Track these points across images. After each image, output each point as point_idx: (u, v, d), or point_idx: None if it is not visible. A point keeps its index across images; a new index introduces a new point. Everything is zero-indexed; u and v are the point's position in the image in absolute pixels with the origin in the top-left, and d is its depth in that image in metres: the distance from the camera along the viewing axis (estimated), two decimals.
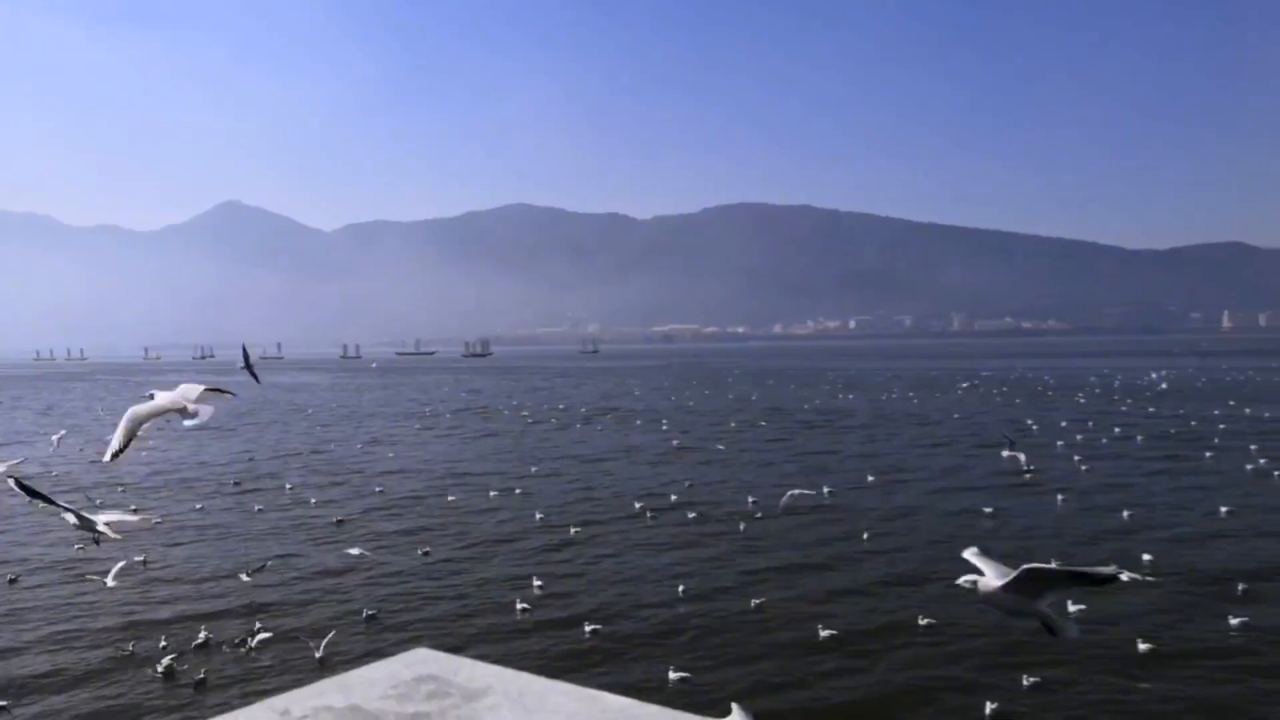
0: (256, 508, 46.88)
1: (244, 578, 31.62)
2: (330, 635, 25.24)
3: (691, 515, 42.51)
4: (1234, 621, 25.84)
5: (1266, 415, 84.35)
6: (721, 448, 68.19)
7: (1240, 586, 29.15)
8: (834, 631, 25.75)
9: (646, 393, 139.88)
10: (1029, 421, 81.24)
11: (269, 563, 33.98)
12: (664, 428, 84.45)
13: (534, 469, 59.19)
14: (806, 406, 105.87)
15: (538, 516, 43.02)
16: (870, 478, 52.53)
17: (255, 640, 25.54)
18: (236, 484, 55.32)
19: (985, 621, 25.44)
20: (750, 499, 45.18)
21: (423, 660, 5.17)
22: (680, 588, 30.25)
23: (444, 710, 4.54)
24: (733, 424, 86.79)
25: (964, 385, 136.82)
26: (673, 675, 22.84)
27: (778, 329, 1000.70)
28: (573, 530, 39.93)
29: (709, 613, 28.12)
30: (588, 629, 26.44)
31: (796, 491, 38.38)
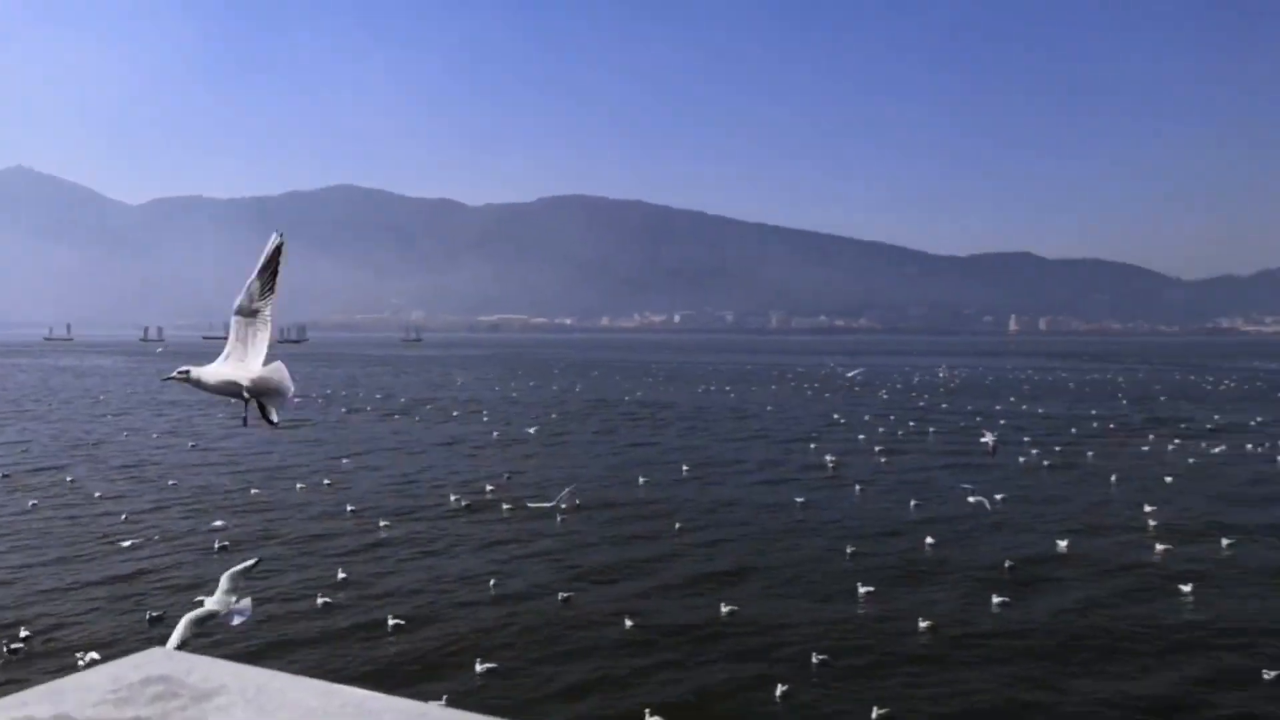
0: (30, 503, 42.89)
1: None
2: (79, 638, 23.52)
3: (507, 509, 42.39)
4: (996, 601, 28.52)
5: (1040, 411, 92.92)
6: (542, 439, 68.26)
7: (1008, 568, 32.22)
8: (643, 628, 26.24)
9: (470, 383, 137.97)
10: (836, 415, 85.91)
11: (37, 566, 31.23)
12: (485, 419, 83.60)
13: (346, 461, 57.21)
14: (628, 399, 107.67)
15: (349, 510, 41.66)
16: (685, 468, 54.09)
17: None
18: (5, 476, 50.43)
19: (798, 616, 26.90)
20: (566, 491, 45.50)
21: (154, 661, 4.94)
22: (491, 585, 30.03)
23: (168, 713, 4.36)
24: (554, 415, 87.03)
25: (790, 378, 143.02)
26: (478, 674, 22.68)
27: (605, 322, 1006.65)
28: (383, 525, 38.94)
29: (519, 611, 28.08)
30: (392, 629, 25.88)
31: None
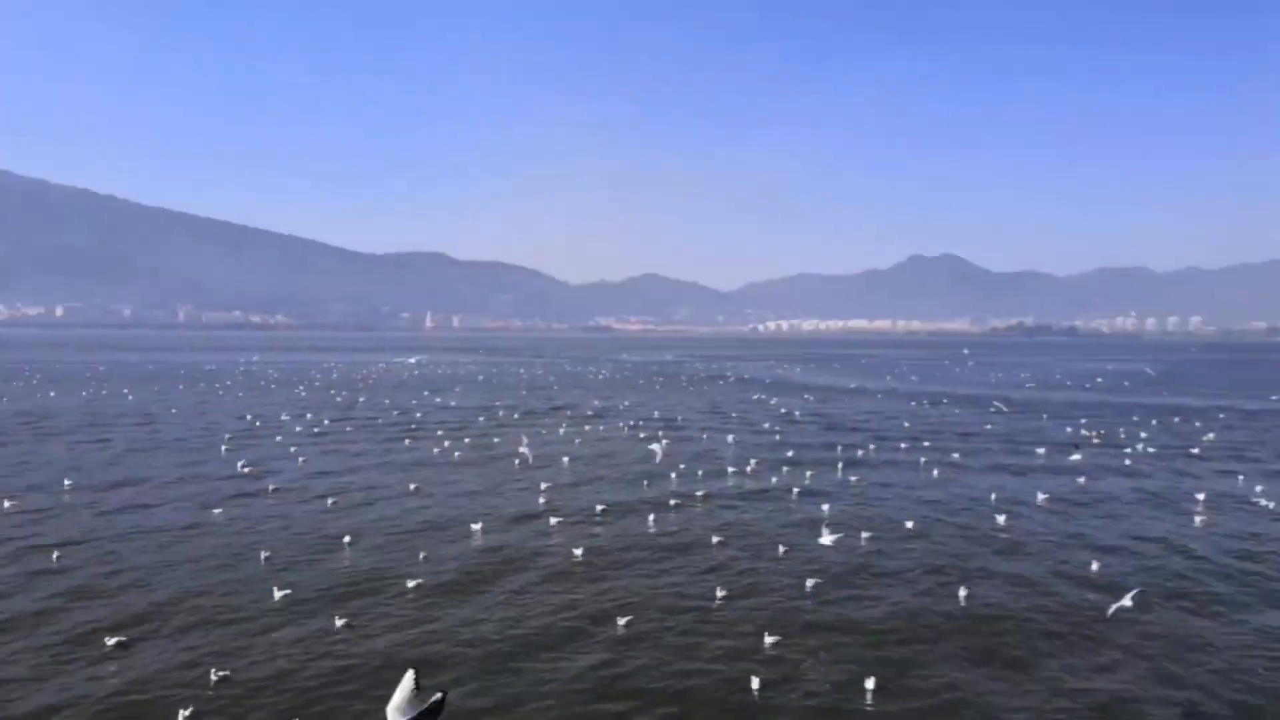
0: None
1: None
2: None
3: None
4: (410, 583, 29.54)
5: (453, 404, 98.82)
6: None
7: (419, 554, 33.52)
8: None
9: None
10: (249, 416, 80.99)
11: None
12: None
13: None
14: None
15: None
16: (68, 482, 46.32)
17: None
18: None
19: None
20: None
21: None
22: None
23: None
24: None
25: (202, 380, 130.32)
26: None
27: None
28: None
29: None
30: None
31: None
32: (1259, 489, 47.89)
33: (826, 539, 35.72)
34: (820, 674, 23.16)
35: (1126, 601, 25.85)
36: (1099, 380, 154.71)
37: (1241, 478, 52.50)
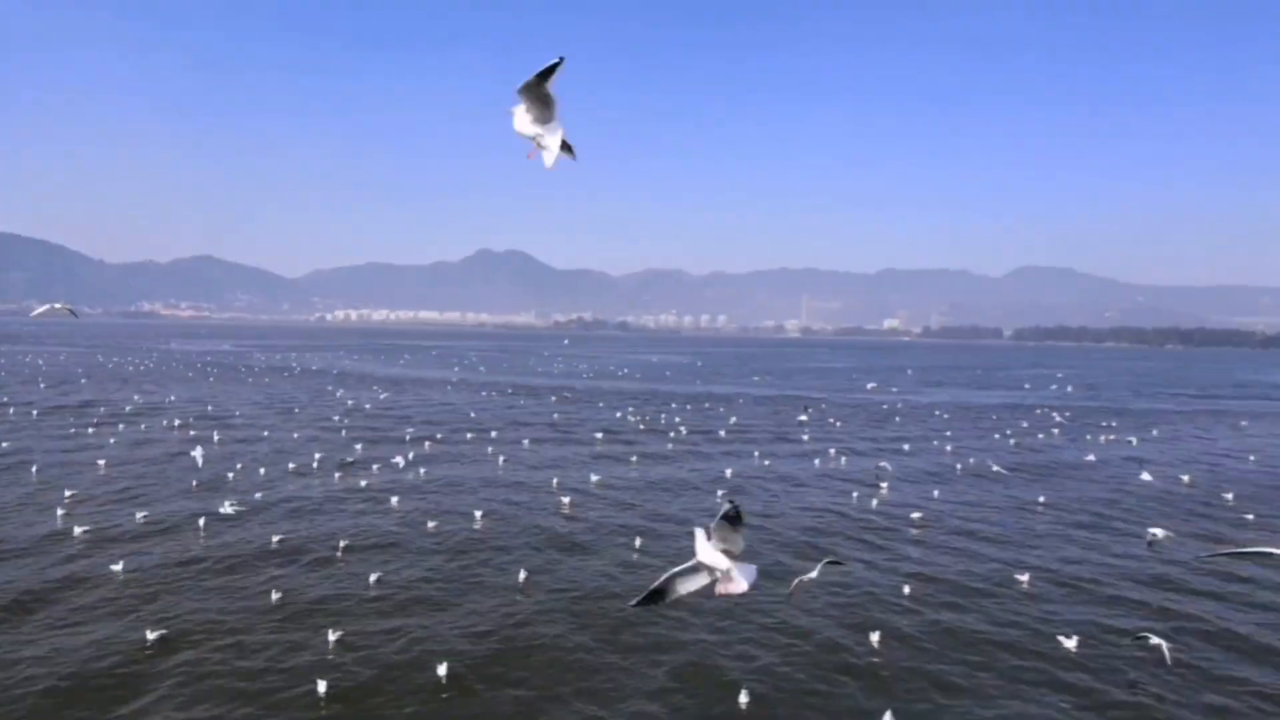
0: None
1: None
2: None
3: None
4: None
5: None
6: None
7: None
8: None
9: None
10: None
11: None
12: None
13: None
14: None
15: None
16: None
17: None
18: None
19: None
20: None
21: None
22: None
23: None
24: None
25: None
26: None
27: None
28: None
29: None
30: None
31: None
32: (766, 463, 57.02)
33: (395, 531, 35.49)
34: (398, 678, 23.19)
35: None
36: (650, 369, 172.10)
37: (757, 453, 61.83)
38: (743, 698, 21.94)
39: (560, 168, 10.42)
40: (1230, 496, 47.23)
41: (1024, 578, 31.39)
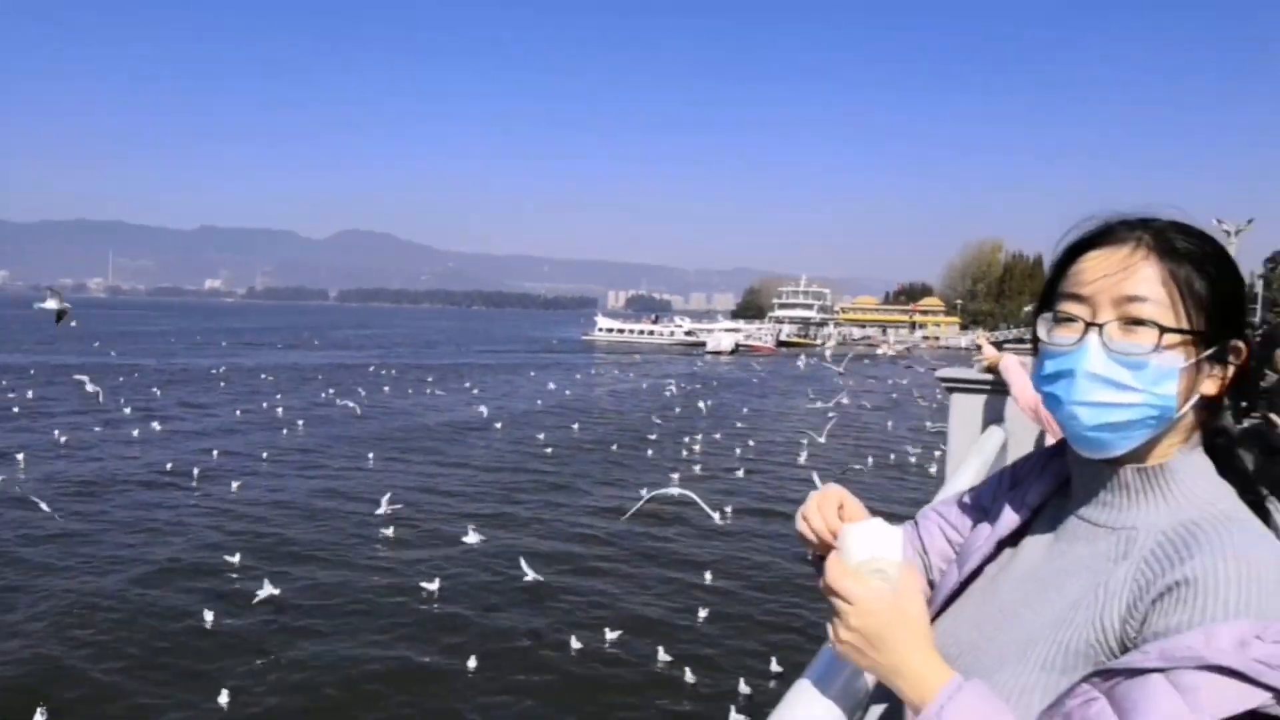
0: None
1: None
2: None
3: None
4: None
5: None
6: None
7: None
8: None
9: None
10: None
11: None
12: None
13: None
14: None
15: None
16: None
17: None
18: None
19: None
20: None
21: None
22: None
23: None
24: None
25: None
26: None
27: None
28: None
29: None
30: None
31: None
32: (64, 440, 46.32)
33: None
34: None
35: None
36: None
37: (57, 431, 49.89)
38: None
39: None
40: (540, 436, 51.66)
41: (389, 531, 29.62)
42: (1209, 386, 1.39)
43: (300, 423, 54.71)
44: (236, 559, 25.41)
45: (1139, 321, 1.34)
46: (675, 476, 37.18)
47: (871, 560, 1.34)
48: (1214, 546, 1.22)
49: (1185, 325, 1.34)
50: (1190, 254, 1.36)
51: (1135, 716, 1.08)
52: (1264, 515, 1.34)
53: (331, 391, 72.46)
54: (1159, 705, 1.06)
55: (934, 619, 1.56)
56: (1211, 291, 1.35)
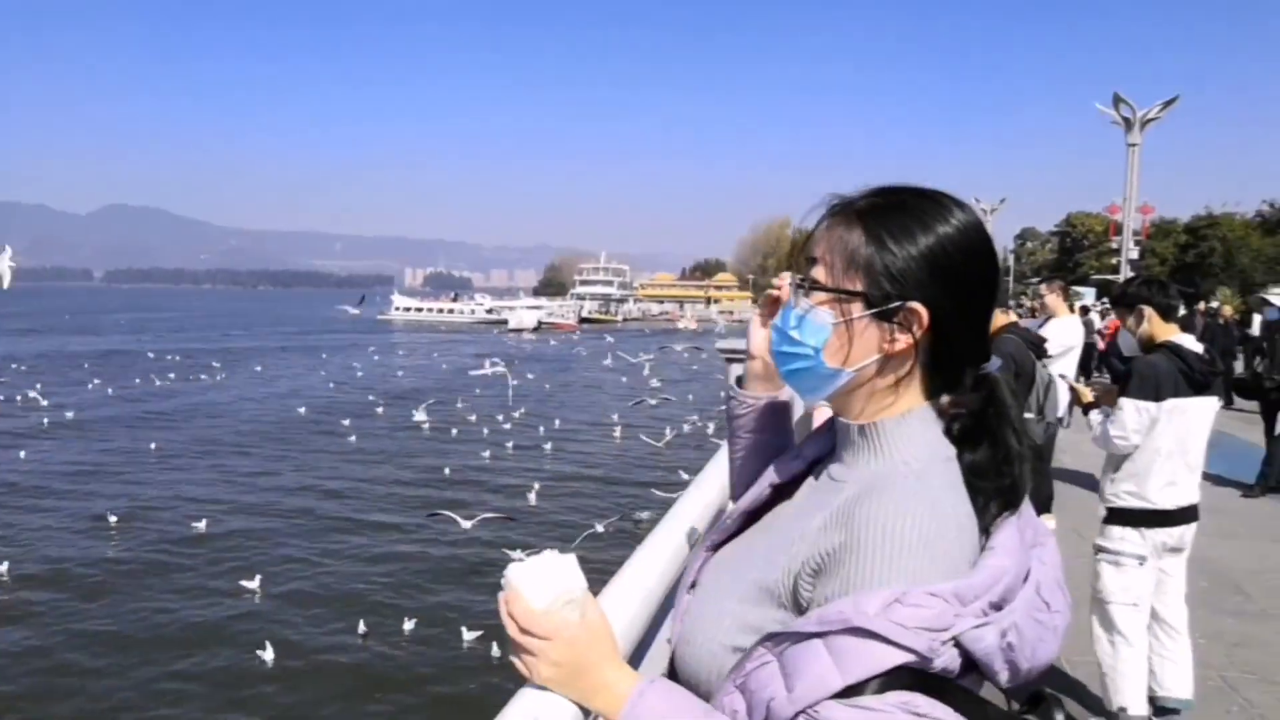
0: None
1: None
2: None
3: None
4: None
5: None
6: None
7: None
8: None
9: None
10: None
11: None
12: None
13: None
14: None
15: None
16: None
17: None
18: None
19: None
20: None
21: None
22: None
23: None
24: None
25: None
26: None
27: None
28: None
29: None
30: None
31: None
32: None
33: None
34: None
35: None
36: None
37: None
38: None
39: None
40: (346, 421, 49.42)
41: (114, 519, 27.60)
42: (896, 347, 1.42)
43: (69, 414, 50.18)
44: None
45: (811, 282, 1.46)
46: (486, 455, 37.73)
47: (564, 594, 1.34)
48: (874, 507, 1.29)
49: (842, 286, 1.42)
50: (867, 223, 1.41)
51: (795, 679, 1.19)
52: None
53: (99, 381, 66.71)
54: (812, 667, 1.17)
55: (711, 554, 1.66)
56: (880, 257, 1.39)
